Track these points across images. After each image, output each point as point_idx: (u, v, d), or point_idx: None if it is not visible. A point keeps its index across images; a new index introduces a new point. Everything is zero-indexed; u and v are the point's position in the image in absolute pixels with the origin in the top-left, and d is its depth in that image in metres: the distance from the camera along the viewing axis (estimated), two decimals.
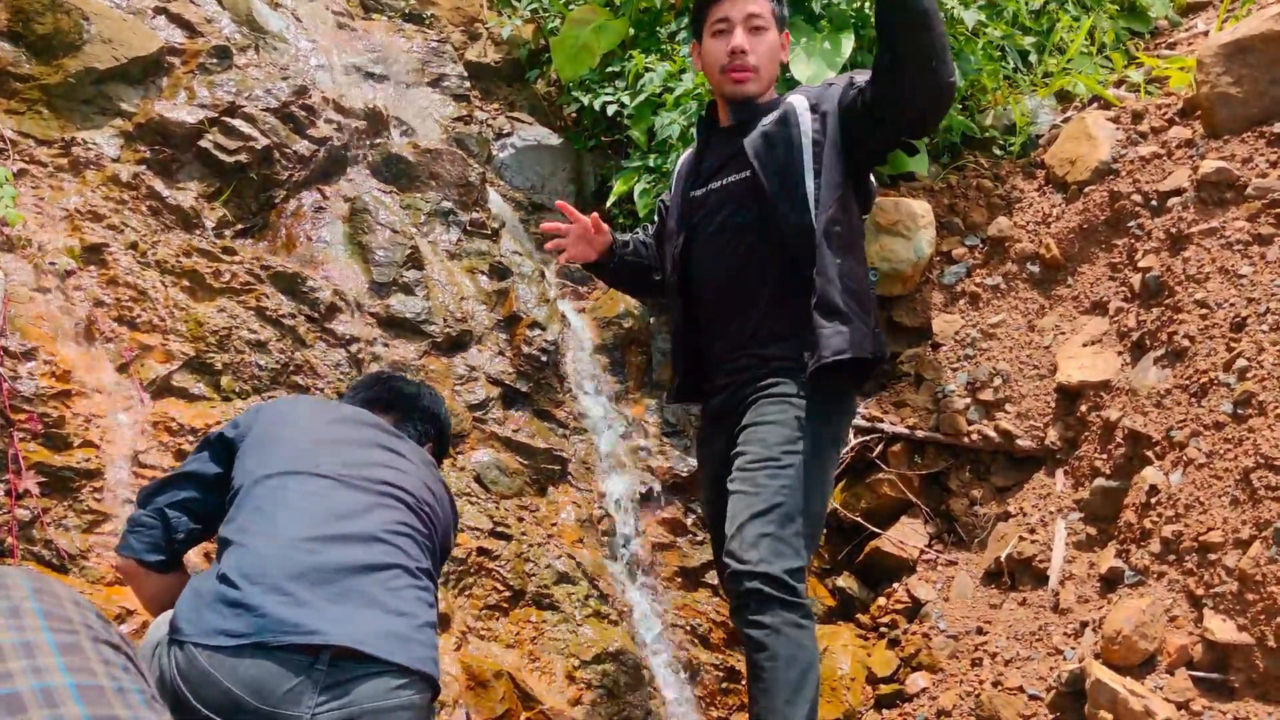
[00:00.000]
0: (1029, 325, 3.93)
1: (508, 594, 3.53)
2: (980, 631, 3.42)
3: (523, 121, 5.04)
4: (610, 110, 4.67)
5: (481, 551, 3.56)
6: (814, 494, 2.75)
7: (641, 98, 4.46)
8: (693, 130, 4.12)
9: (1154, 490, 3.15)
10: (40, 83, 4.08)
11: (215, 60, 4.36)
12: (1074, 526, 3.46)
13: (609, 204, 4.56)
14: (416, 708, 1.99)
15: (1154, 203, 3.73)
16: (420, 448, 2.57)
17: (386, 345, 3.93)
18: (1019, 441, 3.75)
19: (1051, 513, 3.55)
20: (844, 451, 3.11)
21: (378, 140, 4.57)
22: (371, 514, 2.21)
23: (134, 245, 3.81)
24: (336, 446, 2.31)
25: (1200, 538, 2.94)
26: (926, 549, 3.76)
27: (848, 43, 4.00)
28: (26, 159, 3.96)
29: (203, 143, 4.11)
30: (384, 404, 2.64)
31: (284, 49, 4.74)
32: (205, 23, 4.62)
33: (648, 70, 4.42)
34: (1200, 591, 2.91)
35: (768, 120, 2.96)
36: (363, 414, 2.49)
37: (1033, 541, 3.52)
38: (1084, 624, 3.19)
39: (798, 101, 2.95)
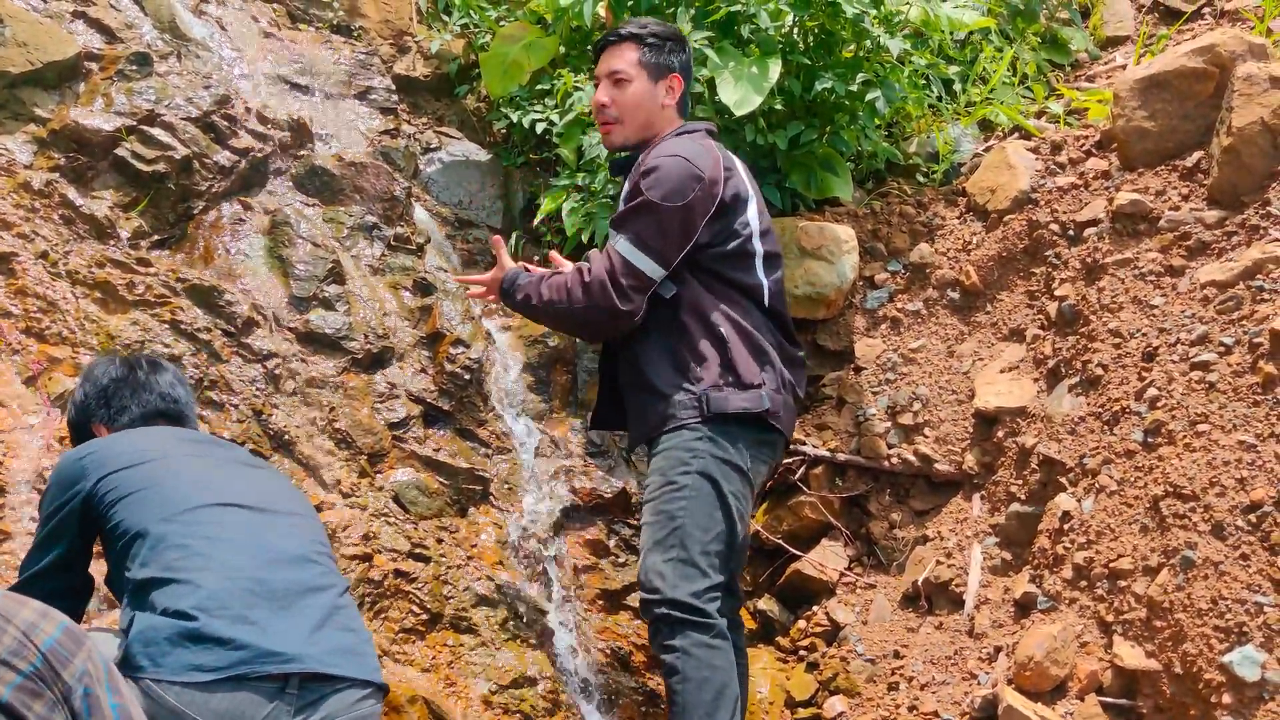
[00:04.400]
0: (949, 351, 3.98)
1: (425, 617, 3.47)
2: (897, 655, 3.45)
3: (451, 137, 5.00)
4: (539, 128, 4.65)
5: (399, 574, 3.50)
6: (715, 511, 2.82)
7: (570, 116, 4.45)
8: None
9: (1067, 517, 3.21)
10: None
11: (135, 67, 4.26)
12: (990, 551, 3.51)
13: (536, 221, 4.54)
14: (376, 715, 2.19)
15: (1071, 232, 3.81)
16: (233, 444, 2.69)
17: (304, 361, 3.86)
18: (937, 465, 3.79)
19: (968, 537, 3.59)
20: (767, 472, 3.14)
21: (301, 152, 4.50)
22: (292, 537, 2.25)
23: (44, 255, 3.70)
24: (218, 473, 2.31)
25: (1111, 564, 2.99)
26: (846, 572, 3.79)
27: (775, 67, 4.02)
28: None
29: (119, 151, 4.02)
30: (168, 415, 2.58)
31: (207, 57, 4.65)
32: (126, 28, 4.51)
33: (577, 89, 4.41)
34: (1110, 618, 2.96)
35: (628, 179, 3.19)
36: (187, 433, 2.51)
37: (950, 565, 3.56)
38: (998, 649, 3.23)
39: (633, 172, 3.14)
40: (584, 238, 4.20)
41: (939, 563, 3.58)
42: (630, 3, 4.46)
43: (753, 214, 3.15)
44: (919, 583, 3.57)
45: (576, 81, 4.43)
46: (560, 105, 4.58)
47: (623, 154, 3.29)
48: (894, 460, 3.86)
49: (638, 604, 3.26)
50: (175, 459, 2.30)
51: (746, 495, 2.99)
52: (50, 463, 3.34)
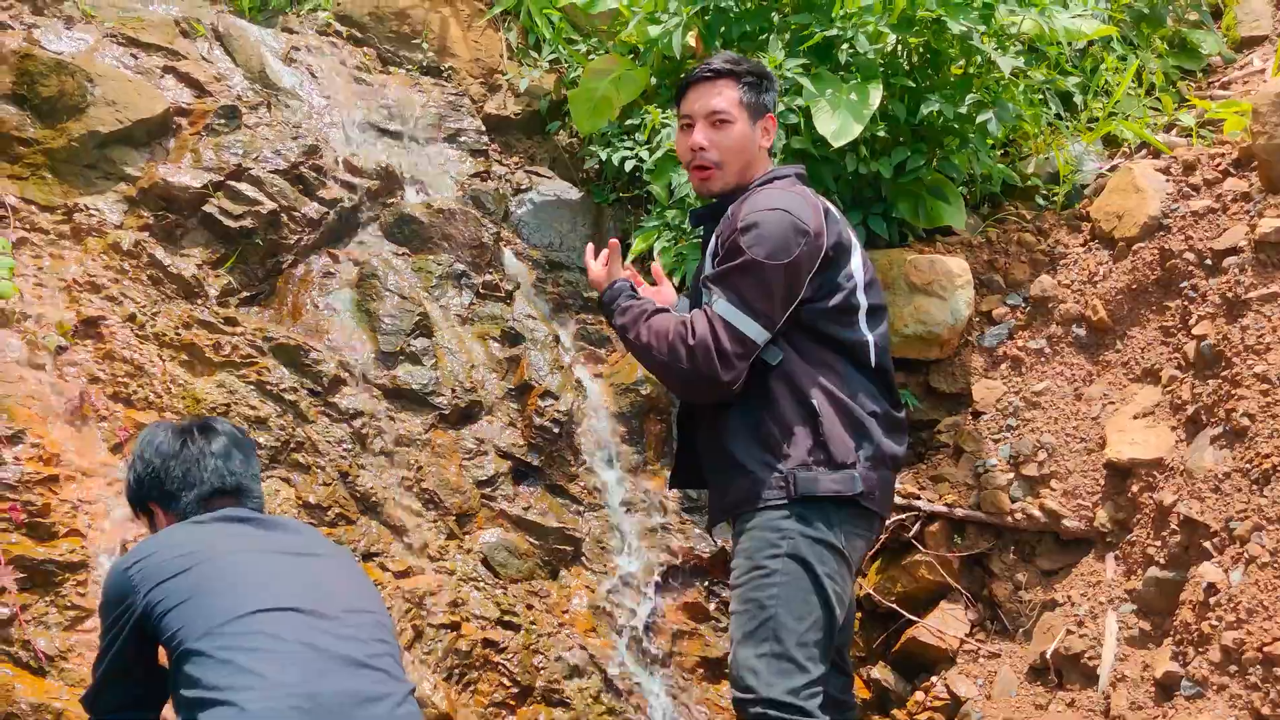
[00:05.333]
0: (1075, 394, 3.66)
1: (515, 690, 3.32)
2: None
3: (542, 176, 4.87)
4: (629, 165, 4.48)
5: (488, 643, 3.36)
6: (810, 597, 2.57)
7: (660, 152, 4.26)
8: None
9: (1212, 589, 2.87)
10: (44, 147, 3.98)
11: (223, 121, 4.23)
12: (1126, 619, 3.18)
13: (628, 261, 4.36)
14: None
15: (1208, 262, 3.46)
16: (290, 523, 2.52)
17: (391, 418, 3.75)
18: (1066, 522, 3.47)
19: (1102, 603, 3.27)
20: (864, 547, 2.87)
21: (390, 200, 4.41)
22: (348, 640, 2.11)
23: (132, 317, 3.68)
24: (271, 570, 2.17)
25: (1265, 648, 2.65)
26: (967, 638, 3.50)
27: (875, 93, 3.77)
28: (28, 226, 3.85)
29: (207, 208, 3.98)
30: (226, 491, 2.43)
31: (296, 106, 4.61)
32: (215, 81, 4.49)
33: (665, 125, 4.23)
34: (1267, 710, 2.62)
35: (715, 231, 2.93)
36: (243, 521, 2.35)
37: (1081, 635, 3.24)
38: None
39: (723, 223, 2.88)
40: (675, 280, 3.99)
41: (1070, 632, 3.27)
42: (721, 30, 4.26)
43: (856, 265, 2.87)
44: (1048, 654, 3.27)
45: (664, 118, 4.24)
46: (649, 141, 4.40)
47: (709, 201, 3.07)
48: (1018, 516, 3.56)
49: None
50: (226, 558, 2.17)
51: (844, 575, 2.73)
52: (132, 535, 3.29)
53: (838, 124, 3.73)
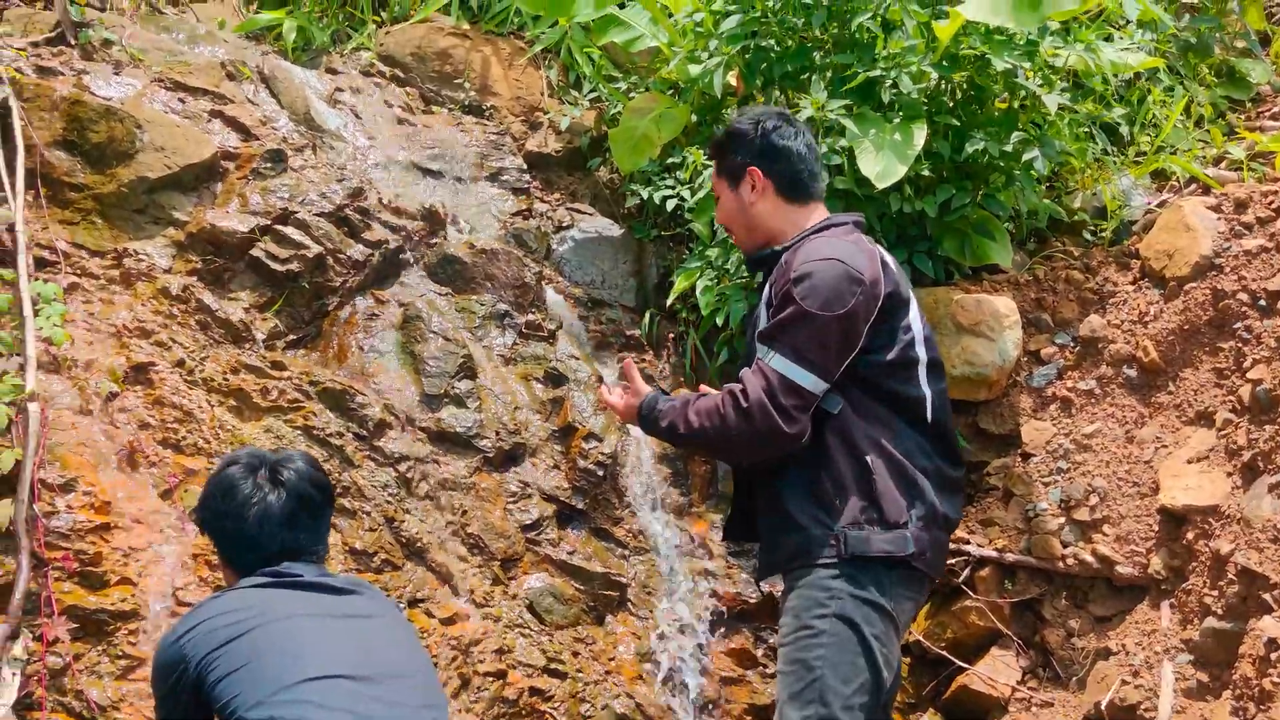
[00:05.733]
0: (1127, 436, 3.60)
1: None
2: None
3: (583, 213, 4.87)
4: (670, 204, 4.47)
5: (534, 691, 3.35)
6: (856, 659, 2.54)
7: (702, 192, 4.26)
8: None
9: (1273, 644, 2.81)
10: (94, 192, 4.03)
11: (269, 164, 4.27)
12: (1183, 670, 3.12)
13: (669, 300, 4.35)
14: None
15: (1263, 303, 3.40)
16: (346, 582, 2.48)
17: (436, 462, 3.76)
18: (1119, 568, 3.42)
19: (1157, 653, 3.21)
20: (912, 609, 2.83)
21: (434, 240, 4.43)
22: (396, 706, 2.09)
23: (181, 363, 3.71)
24: (322, 636, 2.17)
25: None
26: (1019, 686, 3.44)
27: (920, 133, 3.74)
28: (79, 271, 3.90)
29: (254, 252, 4.01)
30: (289, 552, 2.41)
31: (341, 148, 4.66)
32: (261, 124, 4.54)
33: (706, 166, 4.22)
34: None
35: (769, 279, 2.93)
36: (297, 584, 2.33)
37: (1137, 686, 3.18)
38: None
39: (777, 271, 2.86)
40: (718, 320, 3.98)
41: (1124, 682, 3.21)
42: (762, 69, 4.25)
43: (914, 316, 2.84)
44: (1103, 705, 3.20)
45: (705, 159, 4.23)
46: (691, 181, 4.40)
47: (752, 268, 3.08)
48: (1070, 561, 3.50)
49: None
50: (278, 624, 2.17)
51: (891, 638, 2.70)
52: (183, 581, 3.31)
53: (882, 165, 3.71)
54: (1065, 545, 3.53)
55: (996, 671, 3.47)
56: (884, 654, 2.65)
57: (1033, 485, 3.65)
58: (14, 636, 2.90)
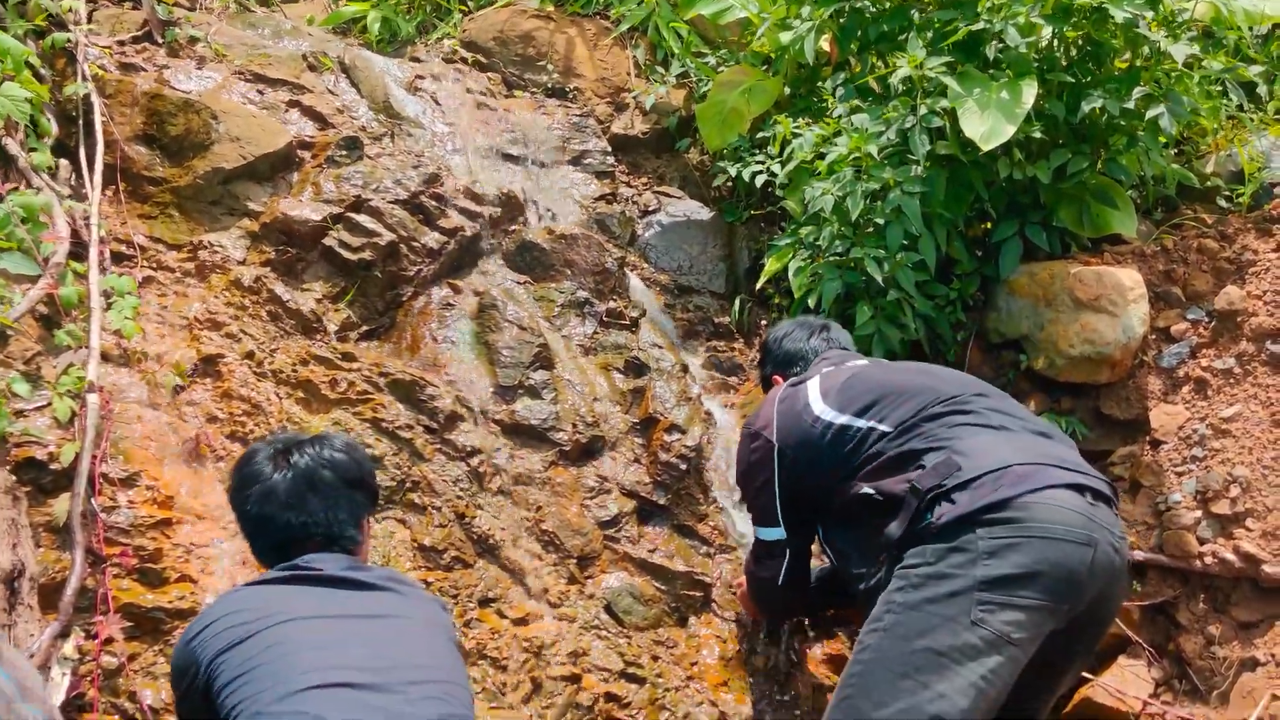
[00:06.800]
0: (1273, 419, 3.20)
1: None
2: None
3: (670, 196, 4.64)
4: (760, 180, 4.20)
5: (610, 697, 3.11)
6: (901, 679, 2.24)
7: (792, 165, 3.97)
8: (849, 203, 3.60)
9: None
10: (171, 185, 3.99)
11: (345, 153, 4.16)
12: None
13: (761, 283, 4.08)
14: None
15: None
16: (381, 577, 2.23)
17: (510, 456, 3.56)
18: (1266, 568, 3.02)
19: None
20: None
21: (512, 227, 4.26)
22: (409, 716, 1.87)
23: (250, 354, 3.60)
24: (334, 637, 1.97)
25: None
26: (1151, 700, 3.07)
27: (1029, 91, 3.41)
28: (155, 265, 3.84)
29: (327, 241, 3.89)
30: (298, 541, 2.22)
31: (419, 135, 4.52)
32: (338, 113, 4.45)
33: (795, 135, 3.94)
34: None
35: None
36: (313, 578, 2.13)
37: None
38: None
39: None
40: (810, 301, 3.70)
41: (1275, 696, 2.82)
42: (858, 33, 3.96)
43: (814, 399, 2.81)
44: None
45: (794, 127, 3.95)
46: (779, 154, 4.12)
47: None
48: (1208, 559, 3.12)
49: None
50: (285, 626, 1.98)
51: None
52: (243, 579, 3.17)
53: (988, 125, 3.39)
54: (1202, 542, 3.15)
55: (1125, 683, 3.11)
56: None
57: (1164, 475, 3.28)
58: (65, 635, 2.79)
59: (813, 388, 2.83)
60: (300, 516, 2.20)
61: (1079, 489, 2.37)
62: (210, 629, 2.00)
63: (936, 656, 2.26)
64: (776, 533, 2.92)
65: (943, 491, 2.38)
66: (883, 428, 2.61)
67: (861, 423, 2.66)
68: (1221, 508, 3.14)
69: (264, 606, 2.02)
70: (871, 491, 2.58)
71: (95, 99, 4.02)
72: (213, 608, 2.10)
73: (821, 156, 3.74)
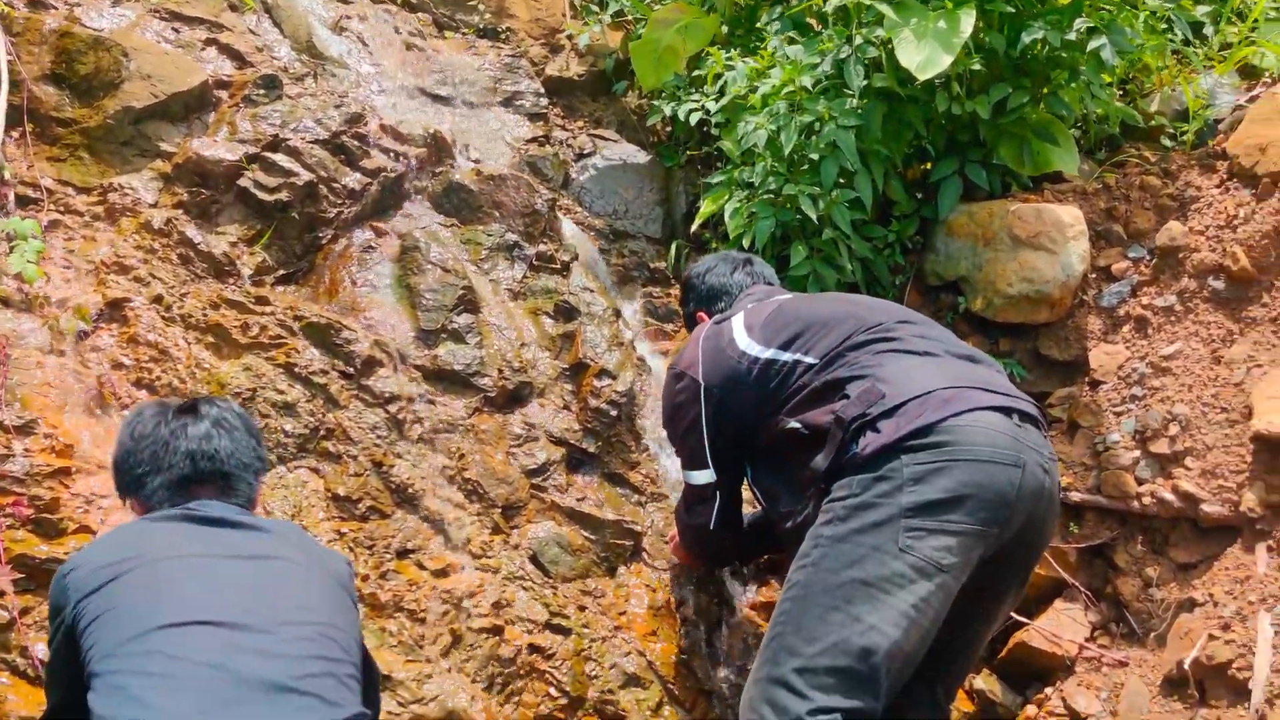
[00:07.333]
0: (1214, 357, 3.12)
1: (564, 701, 2.95)
2: None
3: (606, 139, 4.49)
4: (694, 119, 4.07)
5: (533, 649, 2.99)
6: (830, 612, 2.13)
7: (726, 99, 3.84)
8: (783, 138, 3.48)
9: None
10: (81, 126, 3.79)
11: (262, 91, 3.97)
12: None
13: (696, 226, 3.95)
14: None
15: None
16: (274, 523, 2.18)
17: (431, 402, 3.42)
18: (1205, 507, 2.95)
19: (1251, 603, 2.75)
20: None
21: (440, 169, 4.09)
22: (274, 658, 1.77)
23: (159, 299, 3.43)
24: (203, 575, 1.84)
25: None
26: (1088, 643, 3.00)
27: (968, 20, 3.29)
28: (63, 209, 3.65)
29: (242, 182, 3.71)
30: (203, 478, 2.12)
31: (343, 75, 4.34)
32: (258, 52, 4.26)
33: (729, 68, 3.80)
34: None
35: None
36: (203, 520, 2.01)
37: (1227, 641, 2.73)
38: None
39: None
40: (745, 242, 3.57)
41: (1213, 637, 2.75)
42: None
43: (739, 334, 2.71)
44: (1186, 663, 2.75)
45: (727, 59, 3.81)
46: (715, 91, 3.98)
47: None
48: (1146, 500, 3.05)
49: None
50: (156, 565, 1.85)
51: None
52: None
53: (924, 55, 3.27)
54: (1141, 482, 3.08)
55: (1061, 627, 3.03)
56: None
57: (1102, 415, 3.20)
58: None
59: (737, 323, 2.72)
60: (209, 451, 2.10)
61: (1005, 411, 2.28)
62: (81, 568, 1.86)
63: (865, 587, 2.18)
64: (706, 475, 2.83)
65: (867, 420, 2.28)
66: (808, 359, 2.51)
67: (787, 355, 2.56)
68: (1160, 447, 3.06)
69: (140, 545, 1.89)
70: (798, 426, 2.48)
71: (1, 37, 3.81)
72: (88, 548, 1.97)
73: (755, 91, 3.61)
